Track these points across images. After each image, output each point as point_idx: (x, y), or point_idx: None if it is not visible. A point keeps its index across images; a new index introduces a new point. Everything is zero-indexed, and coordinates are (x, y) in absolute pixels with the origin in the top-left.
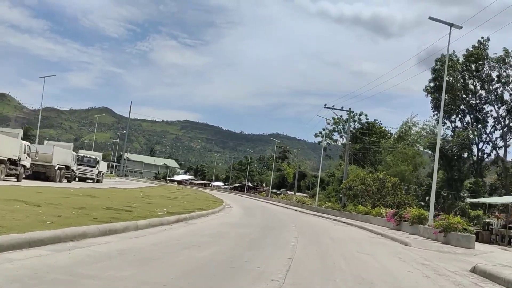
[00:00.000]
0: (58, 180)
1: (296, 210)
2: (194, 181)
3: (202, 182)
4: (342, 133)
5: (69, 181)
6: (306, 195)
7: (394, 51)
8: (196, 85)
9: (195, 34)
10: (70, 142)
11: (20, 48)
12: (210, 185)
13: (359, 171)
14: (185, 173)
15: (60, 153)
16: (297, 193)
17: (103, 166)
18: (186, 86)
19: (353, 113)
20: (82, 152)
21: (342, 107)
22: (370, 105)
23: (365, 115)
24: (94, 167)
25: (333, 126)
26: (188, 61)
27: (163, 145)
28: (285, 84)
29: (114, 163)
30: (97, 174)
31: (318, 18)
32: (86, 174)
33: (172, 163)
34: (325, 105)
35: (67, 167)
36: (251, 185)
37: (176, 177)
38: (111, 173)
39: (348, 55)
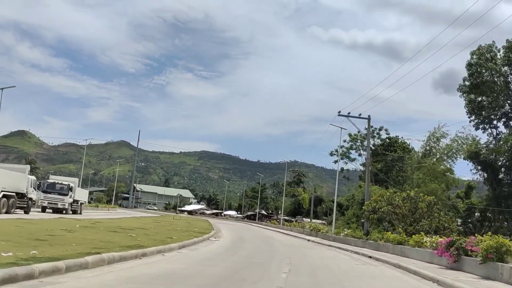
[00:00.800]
0: (4, 211)
1: (308, 240)
2: (205, 211)
3: (214, 211)
4: (361, 150)
5: (26, 212)
6: (323, 222)
7: (409, 75)
8: (212, 116)
9: (211, 66)
10: (88, 176)
11: (41, 86)
12: (222, 214)
13: (382, 191)
14: (198, 202)
15: (7, 177)
16: (313, 220)
17: (81, 194)
18: (203, 118)
19: (373, 128)
20: (53, 178)
21: (360, 114)
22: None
23: (386, 130)
24: (67, 195)
25: (350, 143)
26: (204, 92)
27: (181, 176)
28: (301, 112)
29: (129, 195)
30: (71, 204)
31: (331, 46)
32: (57, 204)
33: (186, 193)
34: (339, 112)
35: (22, 195)
36: (265, 213)
37: (187, 207)
38: (120, 204)
39: (363, 81)
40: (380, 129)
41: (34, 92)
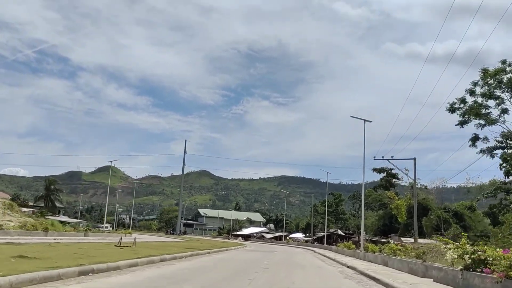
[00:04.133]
0: None
1: None
2: (266, 235)
3: (277, 234)
4: (510, 100)
5: None
6: (435, 241)
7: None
8: (291, 141)
9: (286, 92)
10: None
11: (127, 124)
12: (288, 237)
13: None
14: (264, 225)
15: None
16: (419, 240)
17: None
18: (282, 143)
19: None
20: None
21: None
22: None
23: None
24: None
25: (485, 89)
26: (281, 118)
27: (262, 203)
28: (383, 131)
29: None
30: None
31: (408, 61)
32: None
33: (256, 216)
34: None
35: None
36: (341, 233)
37: (244, 231)
38: (167, 231)
39: (446, 94)
40: None
41: (121, 130)
